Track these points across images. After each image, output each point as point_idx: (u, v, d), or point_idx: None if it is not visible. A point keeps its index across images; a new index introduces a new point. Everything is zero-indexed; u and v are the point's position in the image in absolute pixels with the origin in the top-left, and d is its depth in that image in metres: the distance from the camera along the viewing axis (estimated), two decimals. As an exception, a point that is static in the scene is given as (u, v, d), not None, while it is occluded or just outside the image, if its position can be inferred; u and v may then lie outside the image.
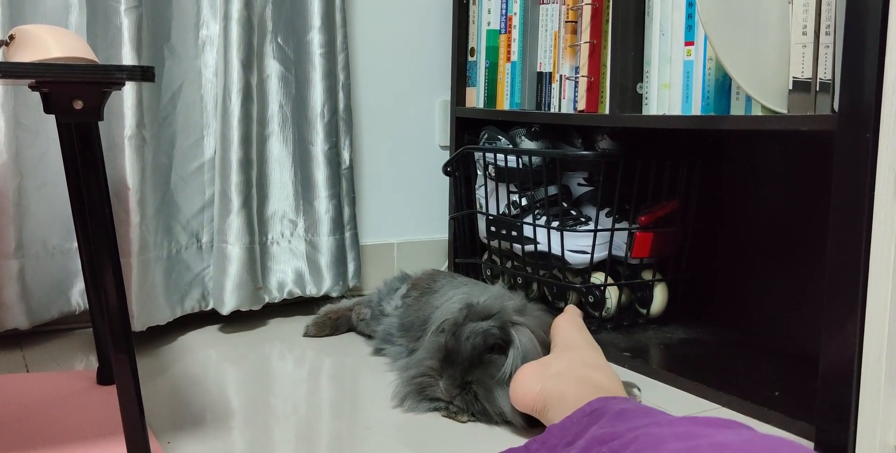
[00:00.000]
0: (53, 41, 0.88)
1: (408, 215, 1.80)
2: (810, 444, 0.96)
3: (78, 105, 0.80)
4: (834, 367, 0.93)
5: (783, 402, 1.09)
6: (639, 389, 1.12)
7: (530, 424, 1.01)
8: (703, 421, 0.68)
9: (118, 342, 0.83)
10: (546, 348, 1.10)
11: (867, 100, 0.88)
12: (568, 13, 1.45)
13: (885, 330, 0.88)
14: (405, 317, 1.27)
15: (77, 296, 1.41)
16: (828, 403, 0.94)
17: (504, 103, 1.63)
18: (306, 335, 1.44)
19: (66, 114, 0.81)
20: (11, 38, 0.89)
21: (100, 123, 0.83)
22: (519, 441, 0.99)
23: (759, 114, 1.10)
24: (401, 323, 1.27)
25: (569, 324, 1.14)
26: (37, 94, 0.87)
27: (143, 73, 0.81)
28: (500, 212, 1.56)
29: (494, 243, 1.59)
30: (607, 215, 1.44)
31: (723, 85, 1.19)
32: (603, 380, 0.98)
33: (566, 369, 0.99)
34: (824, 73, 1.01)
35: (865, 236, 0.89)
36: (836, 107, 0.96)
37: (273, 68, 1.53)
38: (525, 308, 1.14)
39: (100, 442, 0.95)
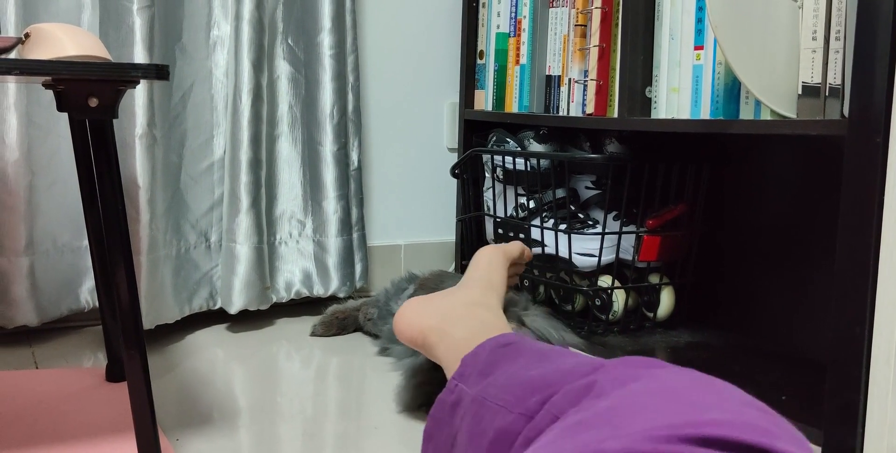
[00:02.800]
0: (69, 39, 0.89)
1: (415, 217, 1.81)
2: (818, 449, 0.96)
3: (93, 103, 0.81)
4: (842, 371, 0.93)
5: (790, 406, 1.09)
6: None
7: None
8: (633, 364, 0.62)
9: (130, 339, 0.84)
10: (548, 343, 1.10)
11: (878, 104, 0.89)
12: (577, 17, 1.45)
13: (893, 333, 0.88)
14: None
15: (86, 294, 1.42)
16: (836, 407, 0.94)
17: (513, 106, 1.63)
18: (313, 334, 1.44)
19: (81, 111, 0.81)
20: (27, 36, 0.90)
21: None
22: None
23: (769, 118, 1.10)
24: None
25: (484, 259, 1.08)
26: (49, 92, 0.88)
27: (157, 72, 0.82)
28: (508, 215, 1.56)
29: (501, 245, 1.59)
30: (615, 218, 1.44)
31: (732, 89, 1.19)
32: (489, 317, 0.92)
33: (450, 307, 0.95)
34: (834, 78, 1.01)
35: (875, 240, 0.89)
36: (845, 111, 0.96)
37: (283, 69, 1.54)
38: (528, 308, 1.14)
39: (109, 438, 0.96)
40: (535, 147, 1.53)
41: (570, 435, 0.49)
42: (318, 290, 1.58)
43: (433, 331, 0.91)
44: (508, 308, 1.10)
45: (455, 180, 1.76)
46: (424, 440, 0.75)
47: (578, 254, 1.43)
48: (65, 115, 1.25)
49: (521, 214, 1.53)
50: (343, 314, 1.46)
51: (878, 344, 0.89)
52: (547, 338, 1.09)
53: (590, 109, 1.43)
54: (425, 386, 1.19)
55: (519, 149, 1.53)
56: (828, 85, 1.01)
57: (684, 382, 0.56)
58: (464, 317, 0.92)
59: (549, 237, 1.46)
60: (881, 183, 0.89)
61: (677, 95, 1.27)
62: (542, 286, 1.53)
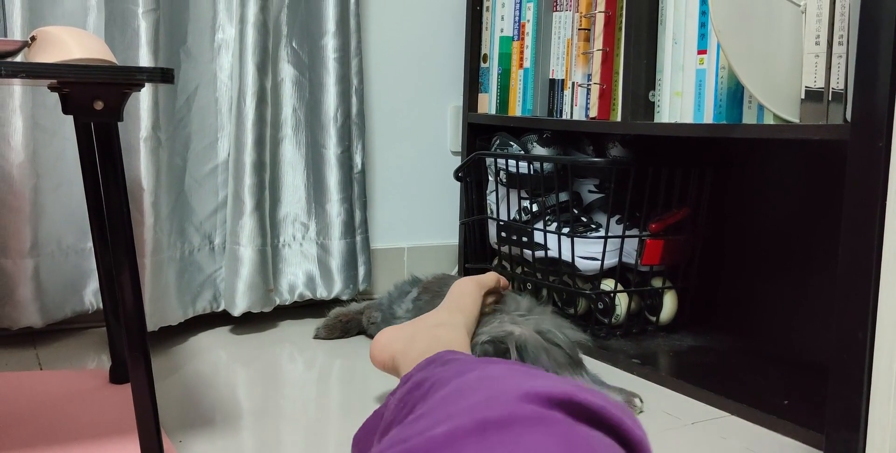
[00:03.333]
0: (74, 43, 0.89)
1: (419, 220, 1.81)
2: (819, 453, 0.97)
3: (98, 105, 0.81)
4: (844, 374, 0.93)
5: (792, 410, 1.09)
6: (640, 399, 1.12)
7: None
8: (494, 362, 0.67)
9: (134, 341, 0.84)
10: (554, 345, 1.09)
11: (880, 109, 0.89)
12: (581, 21, 1.46)
13: (895, 337, 0.88)
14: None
15: (90, 296, 1.42)
16: (838, 410, 0.94)
17: (516, 110, 1.64)
18: (316, 337, 1.45)
19: (86, 114, 0.82)
20: (33, 39, 0.90)
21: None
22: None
23: (771, 122, 1.11)
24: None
25: (457, 288, 1.16)
26: (54, 95, 0.88)
27: (162, 75, 0.83)
28: (511, 218, 1.57)
29: (505, 249, 1.59)
30: (618, 222, 1.45)
31: (735, 93, 1.20)
32: (447, 336, 1.00)
33: (417, 330, 1.04)
34: (837, 83, 1.01)
35: (877, 244, 0.89)
36: (848, 116, 0.97)
37: (287, 72, 1.54)
38: (533, 308, 1.14)
39: (112, 440, 0.96)
40: (539, 150, 1.53)
41: (407, 428, 0.52)
42: (322, 293, 1.58)
43: (399, 354, 1.00)
44: (509, 311, 1.10)
45: (458, 183, 1.76)
46: (353, 445, 0.80)
47: (581, 257, 1.43)
48: (70, 118, 1.25)
49: (525, 218, 1.54)
50: (346, 317, 1.47)
51: (880, 347, 0.89)
52: (551, 337, 1.10)
53: (593, 113, 1.43)
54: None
55: (522, 152, 1.54)
56: (831, 89, 1.02)
57: (508, 369, 0.61)
58: (424, 339, 0.99)
59: (552, 240, 1.46)
60: (883, 187, 0.89)
61: (680, 99, 1.27)
62: (544, 289, 1.54)
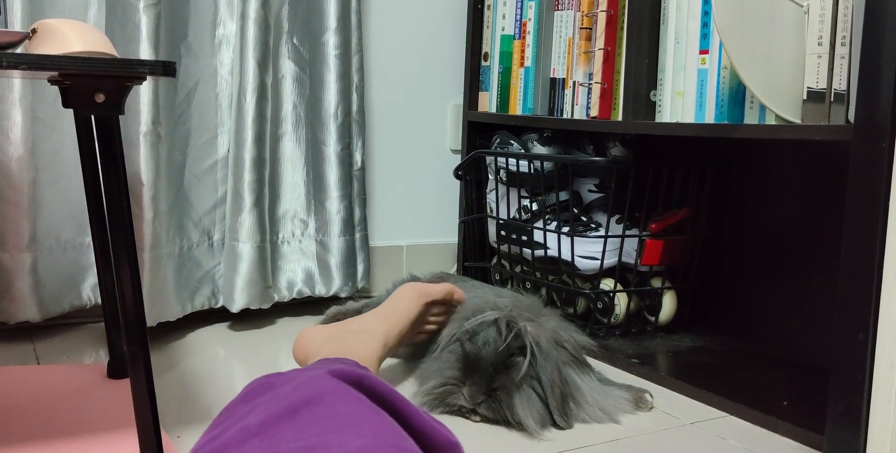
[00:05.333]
0: (75, 35, 0.89)
1: (418, 218, 1.81)
2: (818, 453, 0.96)
3: (99, 98, 0.81)
4: (845, 376, 0.93)
5: (792, 411, 1.09)
6: (650, 395, 1.13)
7: (545, 429, 1.02)
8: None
9: (133, 336, 0.84)
10: (560, 345, 1.09)
11: (883, 110, 0.89)
12: (583, 19, 1.45)
13: (896, 340, 0.88)
14: None
15: (88, 291, 1.42)
16: (838, 412, 0.94)
17: (517, 108, 1.64)
18: None
19: (87, 107, 0.81)
20: (34, 31, 0.90)
21: (119, 118, 0.84)
22: (530, 443, 0.99)
23: (773, 123, 1.11)
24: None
25: (398, 293, 1.16)
26: (54, 89, 0.88)
27: (164, 68, 0.82)
28: (511, 217, 1.57)
29: (504, 247, 1.59)
30: (618, 222, 1.45)
31: (737, 93, 1.19)
32: (357, 346, 1.01)
33: (335, 333, 1.06)
34: (839, 84, 1.01)
35: (879, 245, 0.89)
36: (850, 117, 0.96)
37: (288, 68, 1.54)
38: (542, 311, 1.13)
39: (110, 435, 0.96)
40: (539, 149, 1.53)
41: (220, 424, 0.59)
42: (320, 290, 1.58)
43: (311, 353, 1.02)
44: (504, 307, 1.09)
45: (458, 182, 1.76)
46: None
47: (581, 256, 1.43)
48: (69, 112, 1.25)
49: (524, 217, 1.54)
50: (344, 315, 1.45)
51: (882, 349, 0.89)
52: (560, 338, 1.09)
53: (594, 112, 1.43)
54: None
55: (522, 151, 1.53)
56: (833, 90, 1.02)
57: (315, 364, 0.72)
58: (336, 344, 1.01)
59: (551, 240, 1.46)
60: (886, 188, 0.89)
61: (682, 99, 1.27)
62: (543, 289, 1.53)
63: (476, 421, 1.04)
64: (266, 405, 0.55)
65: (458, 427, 1.03)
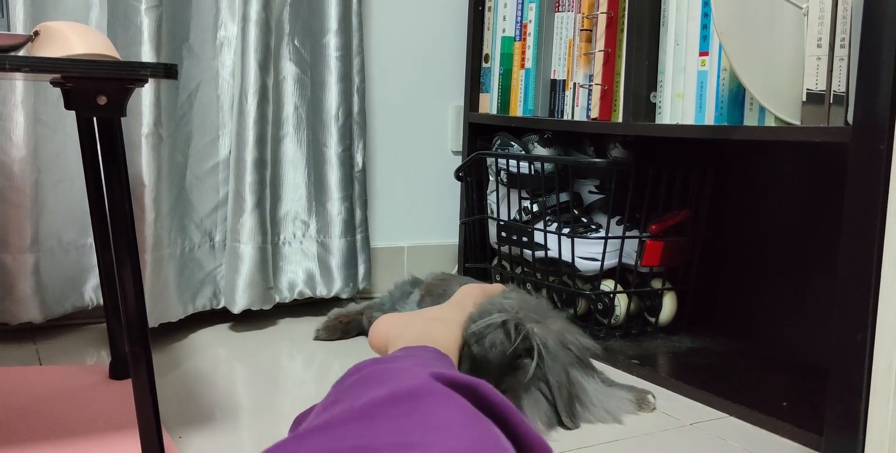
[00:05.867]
0: (77, 38, 0.89)
1: (419, 219, 1.81)
2: (817, 454, 0.97)
3: (101, 101, 0.81)
4: (843, 377, 0.93)
5: (791, 412, 1.09)
6: (653, 396, 1.13)
7: (552, 430, 1.02)
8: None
9: (134, 337, 0.84)
10: (565, 347, 1.09)
11: (882, 112, 0.89)
12: (583, 21, 1.46)
13: (895, 340, 0.88)
14: None
15: (90, 292, 1.42)
16: (837, 413, 0.94)
17: (517, 110, 1.64)
18: (317, 338, 1.44)
19: (89, 109, 0.82)
20: (36, 34, 0.90)
21: (121, 120, 0.84)
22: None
23: (773, 125, 1.11)
24: None
25: (464, 290, 1.18)
26: (56, 90, 0.88)
27: (165, 71, 0.83)
28: (511, 218, 1.57)
29: (505, 249, 1.59)
30: (618, 223, 1.45)
31: (736, 95, 1.20)
32: (438, 331, 1.01)
33: (413, 320, 1.06)
34: (838, 86, 1.01)
35: (877, 247, 0.89)
36: (849, 119, 0.97)
37: (289, 70, 1.54)
38: (549, 313, 1.13)
39: (112, 435, 0.96)
40: (539, 151, 1.53)
41: (325, 412, 0.58)
42: (321, 291, 1.58)
43: (392, 340, 1.03)
44: (510, 308, 1.09)
45: (459, 183, 1.76)
46: (293, 423, 0.81)
47: (581, 258, 1.43)
48: (71, 114, 1.25)
49: (525, 218, 1.54)
50: (346, 318, 1.45)
51: (880, 350, 0.89)
52: (566, 340, 1.09)
53: (594, 114, 1.43)
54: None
55: (523, 152, 1.54)
56: (832, 92, 1.02)
57: (422, 360, 0.71)
58: (417, 329, 1.02)
59: (552, 241, 1.46)
60: (884, 190, 0.89)
61: (682, 101, 1.28)
62: (544, 289, 1.54)
63: None
64: (367, 391, 0.56)
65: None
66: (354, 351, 1.38)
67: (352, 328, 1.45)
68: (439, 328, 1.02)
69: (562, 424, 1.04)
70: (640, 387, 1.16)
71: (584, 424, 1.06)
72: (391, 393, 0.53)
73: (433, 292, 1.34)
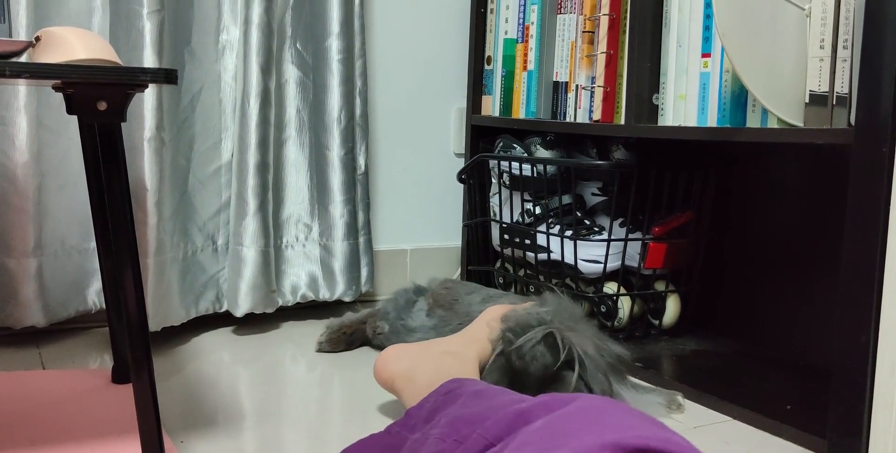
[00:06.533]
0: (79, 43, 0.89)
1: (421, 222, 1.81)
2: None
3: (102, 106, 0.82)
4: (847, 379, 0.93)
5: (795, 415, 1.08)
6: (682, 396, 1.15)
7: None
8: (556, 396, 0.65)
9: (136, 341, 0.84)
10: (600, 354, 1.08)
11: (884, 113, 0.89)
12: (585, 23, 1.46)
13: (898, 344, 0.88)
14: (442, 334, 1.25)
15: (93, 296, 1.43)
16: (840, 416, 0.93)
17: (520, 112, 1.64)
18: (320, 351, 1.39)
19: (90, 114, 0.82)
20: (38, 39, 0.90)
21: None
22: None
23: (775, 126, 1.11)
24: (439, 336, 1.25)
25: (488, 315, 1.13)
26: (59, 95, 0.88)
27: (166, 76, 0.83)
28: (514, 221, 1.57)
29: (507, 251, 1.59)
30: (621, 225, 1.45)
31: (739, 97, 1.19)
32: (455, 366, 0.99)
33: (423, 355, 1.03)
34: (841, 87, 1.01)
35: (880, 249, 0.89)
36: (852, 120, 0.96)
37: (291, 73, 1.54)
38: (577, 317, 1.12)
39: (114, 439, 0.96)
40: (542, 153, 1.53)
41: None
42: (324, 294, 1.58)
43: (401, 377, 1.00)
44: (560, 319, 1.08)
45: (461, 185, 1.76)
46: None
47: (584, 260, 1.43)
48: (74, 118, 1.25)
49: (528, 220, 1.54)
50: (350, 329, 1.41)
51: (883, 352, 0.89)
52: (599, 349, 1.08)
53: (597, 116, 1.43)
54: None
55: (525, 155, 1.54)
56: (835, 93, 1.02)
57: (604, 405, 0.61)
58: (430, 366, 0.99)
59: (554, 243, 1.46)
60: (887, 192, 0.89)
61: (684, 103, 1.27)
62: (553, 292, 1.53)
63: None
64: (560, 444, 0.53)
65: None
66: (357, 355, 1.38)
67: (356, 339, 1.41)
68: (454, 364, 1.00)
69: None
70: (666, 390, 1.17)
71: None
72: None
73: (441, 303, 1.31)
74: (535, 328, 1.04)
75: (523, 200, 1.54)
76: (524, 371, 1.01)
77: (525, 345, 1.02)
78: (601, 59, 1.41)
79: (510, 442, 0.59)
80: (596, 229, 1.46)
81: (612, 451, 0.51)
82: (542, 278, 1.51)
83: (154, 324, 1.35)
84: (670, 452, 0.51)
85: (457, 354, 1.04)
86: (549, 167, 1.48)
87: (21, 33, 1.27)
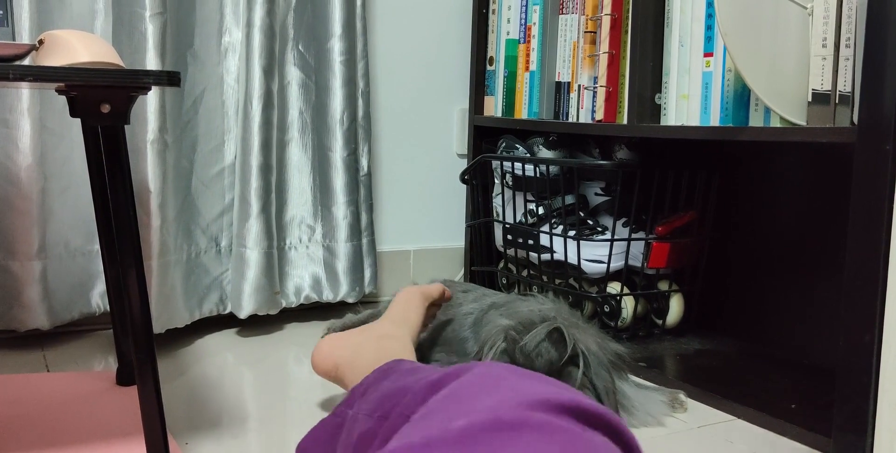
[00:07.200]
0: (82, 46, 0.89)
1: (424, 223, 1.81)
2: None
3: (105, 109, 0.82)
4: (851, 378, 0.92)
5: (800, 414, 1.08)
6: (685, 395, 1.15)
7: None
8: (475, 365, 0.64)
9: (140, 344, 0.84)
10: (604, 351, 1.08)
11: (887, 112, 0.89)
12: (587, 23, 1.46)
13: (903, 342, 0.88)
14: (435, 332, 1.26)
15: (97, 298, 1.43)
16: (845, 415, 0.93)
17: (522, 112, 1.64)
18: None
19: (94, 117, 0.82)
20: (41, 42, 0.91)
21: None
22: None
23: (778, 125, 1.10)
24: (430, 338, 1.26)
25: (403, 298, 1.16)
26: (62, 98, 0.88)
27: (169, 78, 0.83)
28: (517, 221, 1.57)
29: (511, 251, 1.59)
30: (624, 225, 1.44)
31: (741, 96, 1.19)
32: (393, 348, 1.00)
33: (363, 340, 1.05)
34: (844, 86, 1.01)
35: (884, 247, 0.89)
36: (855, 119, 0.96)
37: (294, 75, 1.55)
38: (576, 317, 1.12)
39: (119, 441, 0.96)
40: (545, 153, 1.53)
41: (418, 426, 0.53)
42: (328, 295, 1.58)
43: (344, 363, 1.01)
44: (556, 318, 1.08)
45: (464, 186, 1.76)
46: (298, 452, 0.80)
47: (587, 260, 1.43)
48: (77, 121, 1.26)
49: (531, 220, 1.54)
50: (351, 329, 1.42)
51: (888, 350, 0.89)
52: (601, 346, 1.08)
53: (599, 116, 1.43)
54: None
55: (528, 155, 1.54)
56: (837, 92, 1.01)
57: (505, 370, 0.61)
58: (371, 349, 1.00)
59: (558, 243, 1.46)
60: (891, 190, 0.88)
61: (687, 102, 1.27)
62: (550, 292, 1.53)
63: None
64: (468, 410, 0.51)
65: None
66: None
67: None
68: (394, 346, 1.01)
69: None
70: (669, 389, 1.17)
71: (632, 428, 1.06)
72: (494, 421, 0.49)
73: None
74: (539, 325, 1.04)
75: (526, 201, 1.54)
76: (529, 368, 1.01)
77: (530, 343, 1.02)
78: (603, 59, 1.41)
79: (419, 411, 0.58)
80: (599, 229, 1.46)
81: (542, 407, 0.51)
82: (545, 278, 1.51)
83: (158, 326, 1.35)
84: (598, 411, 0.51)
85: (393, 336, 1.05)
86: (551, 167, 1.48)
87: (24, 36, 1.27)
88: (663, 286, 1.46)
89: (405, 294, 1.18)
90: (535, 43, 1.60)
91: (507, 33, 1.67)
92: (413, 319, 1.12)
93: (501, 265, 1.68)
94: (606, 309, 1.45)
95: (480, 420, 0.48)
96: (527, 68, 1.62)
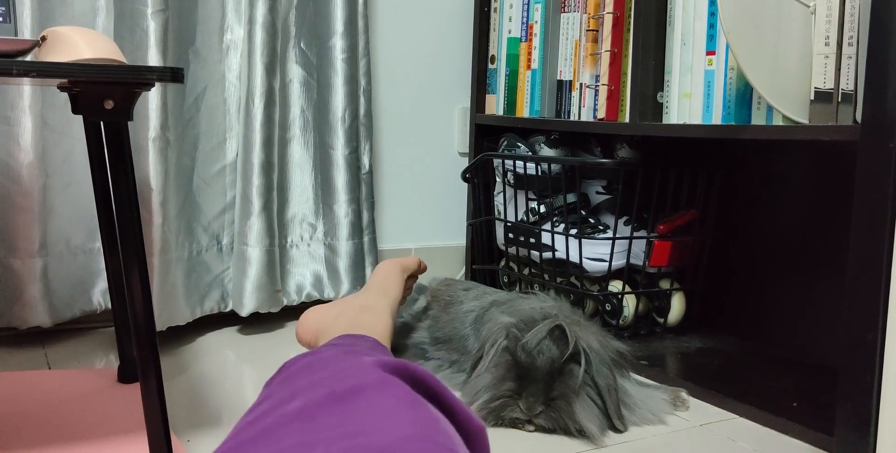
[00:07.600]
0: (84, 43, 0.89)
1: (426, 221, 1.81)
2: (828, 455, 0.96)
3: (108, 105, 0.82)
4: (854, 377, 0.92)
5: (801, 413, 1.08)
6: (686, 393, 1.15)
7: (604, 434, 1.03)
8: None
9: (142, 340, 0.84)
10: (605, 349, 1.08)
11: (891, 110, 0.88)
12: (589, 22, 1.45)
13: (905, 340, 0.87)
14: (436, 331, 1.26)
15: (98, 296, 1.43)
16: (847, 413, 0.93)
17: (524, 111, 1.64)
18: None
19: (96, 113, 0.82)
20: (43, 39, 0.91)
21: (128, 124, 0.84)
22: (542, 448, 0.99)
23: (781, 124, 1.10)
24: (432, 336, 1.26)
25: (382, 270, 1.20)
26: (63, 95, 0.88)
27: (172, 75, 0.83)
28: (518, 219, 1.57)
29: (512, 250, 1.59)
30: (626, 223, 1.44)
31: (744, 95, 1.19)
32: (370, 320, 1.02)
33: (341, 311, 1.07)
34: (846, 84, 1.01)
35: (887, 246, 0.89)
36: (858, 117, 0.96)
37: (296, 73, 1.54)
38: (581, 321, 1.11)
39: (121, 438, 0.96)
40: (546, 152, 1.53)
41: (256, 408, 0.58)
42: (329, 294, 1.58)
43: (322, 333, 1.03)
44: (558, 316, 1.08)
45: (466, 184, 1.76)
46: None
47: (589, 258, 1.43)
48: (79, 118, 1.25)
49: (532, 219, 1.54)
50: None
51: (891, 349, 0.89)
52: (603, 344, 1.08)
53: (601, 114, 1.43)
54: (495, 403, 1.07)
55: (530, 153, 1.53)
56: (840, 90, 1.01)
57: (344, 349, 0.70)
58: (346, 321, 1.02)
59: (559, 242, 1.46)
60: (894, 188, 0.88)
61: (689, 100, 1.27)
62: (552, 291, 1.53)
63: (530, 431, 1.04)
64: (307, 391, 0.55)
65: (509, 437, 1.04)
66: (362, 354, 1.38)
67: None
68: (370, 316, 1.03)
69: (612, 427, 1.03)
70: (671, 387, 1.17)
71: (634, 426, 1.06)
72: (330, 393, 0.53)
73: (439, 298, 1.33)
74: (540, 323, 1.04)
75: (528, 199, 1.54)
76: (531, 365, 1.01)
77: (531, 340, 1.02)
78: (605, 58, 1.41)
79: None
80: (601, 227, 1.46)
81: (375, 366, 0.56)
82: (546, 277, 1.51)
83: (159, 324, 1.35)
84: (421, 373, 0.57)
85: (373, 309, 1.07)
86: (553, 166, 1.48)
87: (26, 33, 1.27)
88: (665, 284, 1.46)
89: (385, 266, 1.21)
90: (536, 41, 1.60)
91: (509, 31, 1.67)
92: (393, 291, 1.15)
93: (503, 263, 1.68)
94: (608, 307, 1.45)
95: (315, 397, 0.52)
96: (528, 66, 1.62)
